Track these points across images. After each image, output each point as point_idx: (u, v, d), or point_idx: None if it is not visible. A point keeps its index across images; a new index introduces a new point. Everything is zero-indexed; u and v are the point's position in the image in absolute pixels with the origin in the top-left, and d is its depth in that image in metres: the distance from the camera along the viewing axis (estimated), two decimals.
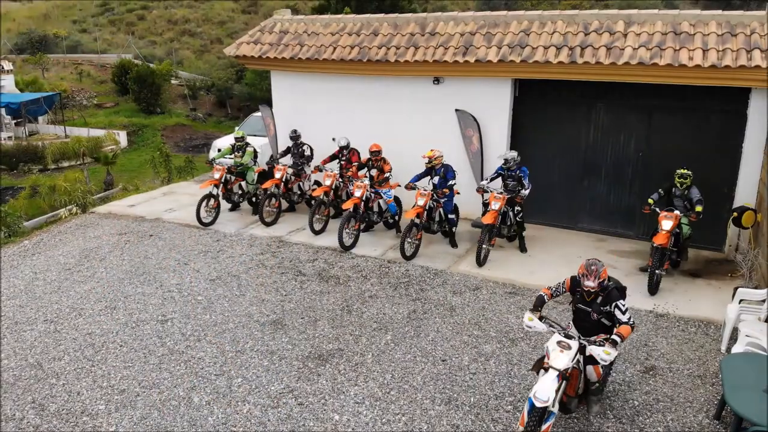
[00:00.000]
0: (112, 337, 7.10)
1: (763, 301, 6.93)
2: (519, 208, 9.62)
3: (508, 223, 9.68)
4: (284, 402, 5.84)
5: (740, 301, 7.08)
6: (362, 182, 9.97)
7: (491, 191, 9.45)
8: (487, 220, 9.13)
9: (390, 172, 10.28)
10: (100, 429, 5.51)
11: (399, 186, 10.18)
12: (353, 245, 9.83)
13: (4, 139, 28.43)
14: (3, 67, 31.79)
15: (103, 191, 19.27)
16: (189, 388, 6.08)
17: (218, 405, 5.81)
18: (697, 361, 6.67)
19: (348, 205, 9.90)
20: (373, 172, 10.39)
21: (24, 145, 27.48)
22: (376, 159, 10.28)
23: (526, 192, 9.48)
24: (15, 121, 29.37)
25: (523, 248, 9.81)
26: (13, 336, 7.20)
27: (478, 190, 9.77)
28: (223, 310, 7.72)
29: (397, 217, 10.59)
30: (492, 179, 9.69)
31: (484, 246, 9.18)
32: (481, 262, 9.14)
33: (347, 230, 9.77)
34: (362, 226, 10.22)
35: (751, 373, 5.37)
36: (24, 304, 7.99)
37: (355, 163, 10.84)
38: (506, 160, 9.45)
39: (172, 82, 35.28)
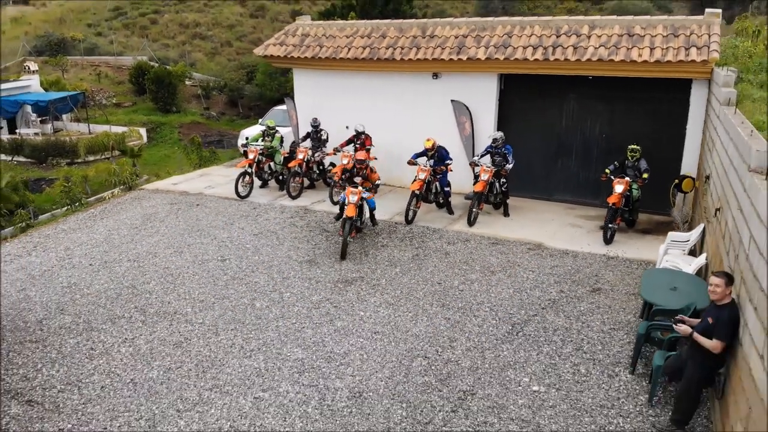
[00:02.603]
0: (185, 270, 9.20)
1: (687, 241, 9.02)
2: (504, 180, 11.69)
3: (495, 192, 11.76)
4: (323, 306, 7.96)
5: (671, 241, 9.17)
6: (356, 189, 10.31)
7: (481, 165, 11.53)
8: (477, 188, 11.21)
9: (378, 180, 10.96)
10: (190, 321, 7.60)
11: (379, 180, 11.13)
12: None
13: (32, 135, 30.54)
14: (29, 68, 33.92)
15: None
16: (251, 299, 8.19)
17: (275, 307, 7.92)
18: (634, 285, 8.74)
19: (350, 213, 10.00)
20: (358, 179, 10.74)
21: (52, 140, 29.57)
22: (361, 168, 10.69)
23: (509, 166, 11.54)
24: (40, 118, 31.46)
25: (506, 213, 11.89)
26: (106, 270, 9.29)
27: (470, 164, 11.84)
28: (268, 253, 9.82)
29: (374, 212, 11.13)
30: (482, 156, 11.74)
31: (474, 209, 11.26)
32: (471, 222, 11.21)
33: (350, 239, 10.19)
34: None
35: (663, 279, 7.44)
36: (107, 250, 10.08)
37: (369, 147, 12.88)
38: (494, 140, 11.54)
39: (187, 82, 37.40)
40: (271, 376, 6.50)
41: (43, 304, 8.21)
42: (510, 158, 11.48)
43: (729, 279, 5.10)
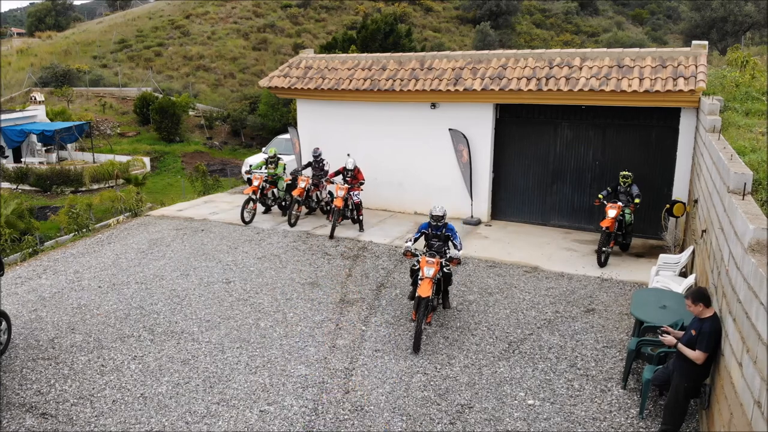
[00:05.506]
0: (191, 291, 9.48)
1: (677, 263, 9.33)
2: (448, 270, 8.25)
3: (441, 292, 8.44)
4: (325, 325, 8.22)
5: (663, 263, 9.47)
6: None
7: (422, 255, 8.07)
8: (424, 292, 7.56)
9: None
10: (197, 339, 7.86)
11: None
12: None
13: (37, 163, 31.04)
14: (35, 98, 34.63)
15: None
16: (256, 319, 8.45)
17: (279, 327, 8.18)
18: (627, 306, 9.00)
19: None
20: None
21: (57, 169, 30.04)
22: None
23: (460, 252, 8.27)
24: (45, 147, 32.01)
25: (446, 305, 8.60)
26: (115, 292, 9.56)
27: (405, 254, 8.25)
28: (272, 276, 10.10)
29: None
30: (415, 240, 8.42)
31: (422, 325, 7.64)
32: (417, 347, 7.56)
33: None
34: None
35: (652, 298, 7.73)
36: (116, 273, 10.36)
37: (362, 181, 13.11)
38: (437, 218, 8.24)
39: (190, 113, 38.08)
40: (276, 391, 6.75)
41: (54, 323, 8.47)
42: (457, 241, 8.31)
43: (695, 297, 5.40)
